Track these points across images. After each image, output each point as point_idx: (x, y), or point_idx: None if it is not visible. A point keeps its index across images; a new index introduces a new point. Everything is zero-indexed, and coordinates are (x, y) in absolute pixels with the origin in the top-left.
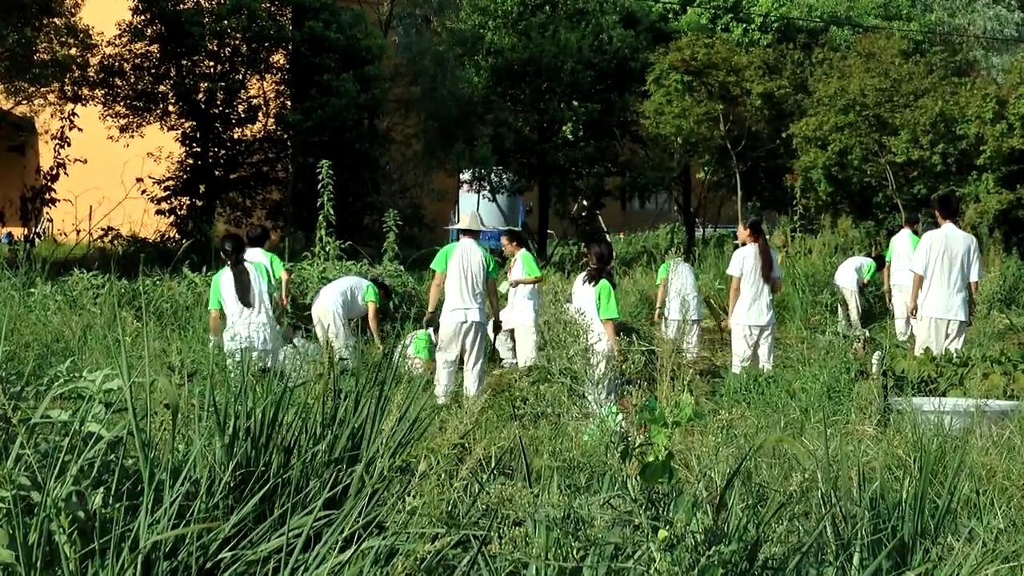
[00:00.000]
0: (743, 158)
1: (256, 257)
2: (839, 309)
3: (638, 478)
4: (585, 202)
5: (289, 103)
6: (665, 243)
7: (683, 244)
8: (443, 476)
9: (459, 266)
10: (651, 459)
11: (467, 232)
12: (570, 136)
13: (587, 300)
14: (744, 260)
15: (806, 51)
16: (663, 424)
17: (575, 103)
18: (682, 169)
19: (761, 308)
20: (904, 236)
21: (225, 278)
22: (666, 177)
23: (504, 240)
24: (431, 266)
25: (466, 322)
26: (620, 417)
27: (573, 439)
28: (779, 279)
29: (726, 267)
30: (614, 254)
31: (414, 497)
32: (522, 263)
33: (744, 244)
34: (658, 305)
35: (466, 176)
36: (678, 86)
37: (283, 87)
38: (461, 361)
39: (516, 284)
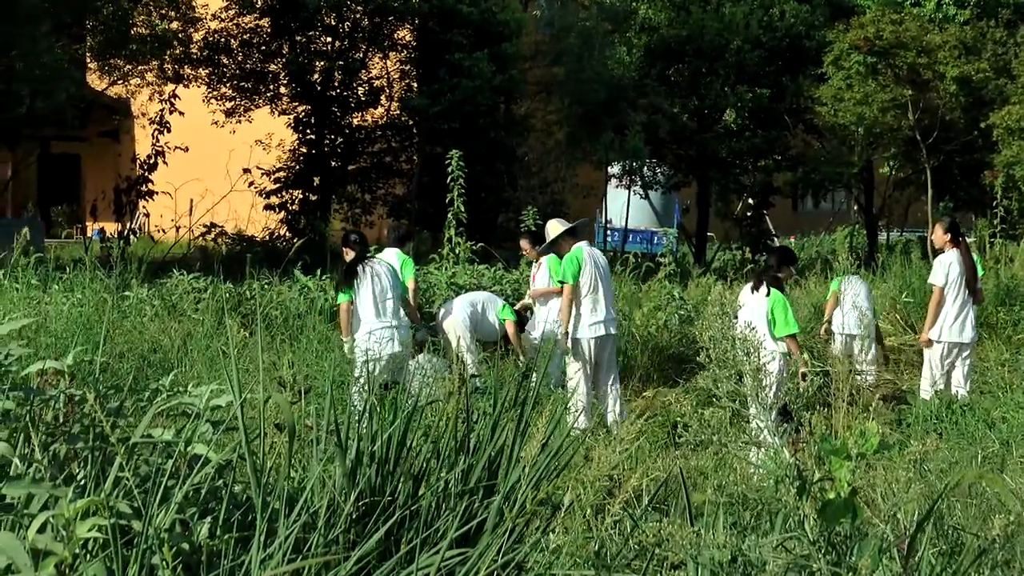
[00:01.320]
0: (934, 152)
1: (388, 258)
2: None
3: (816, 517)
4: (751, 200)
5: (415, 85)
6: (843, 249)
7: (863, 250)
8: (590, 511)
9: (591, 274)
10: (832, 496)
11: (573, 235)
12: (734, 125)
13: (757, 312)
14: (950, 268)
15: (1010, 29)
16: (845, 456)
17: (740, 87)
18: (863, 164)
19: (965, 324)
20: None
21: (361, 273)
22: (845, 173)
23: (525, 244)
24: (559, 278)
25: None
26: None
27: (739, 471)
28: (981, 289)
29: (914, 277)
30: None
31: (558, 534)
32: (548, 269)
33: (942, 250)
34: (825, 319)
35: (615, 170)
36: (860, 68)
37: (408, 67)
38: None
39: (536, 296)
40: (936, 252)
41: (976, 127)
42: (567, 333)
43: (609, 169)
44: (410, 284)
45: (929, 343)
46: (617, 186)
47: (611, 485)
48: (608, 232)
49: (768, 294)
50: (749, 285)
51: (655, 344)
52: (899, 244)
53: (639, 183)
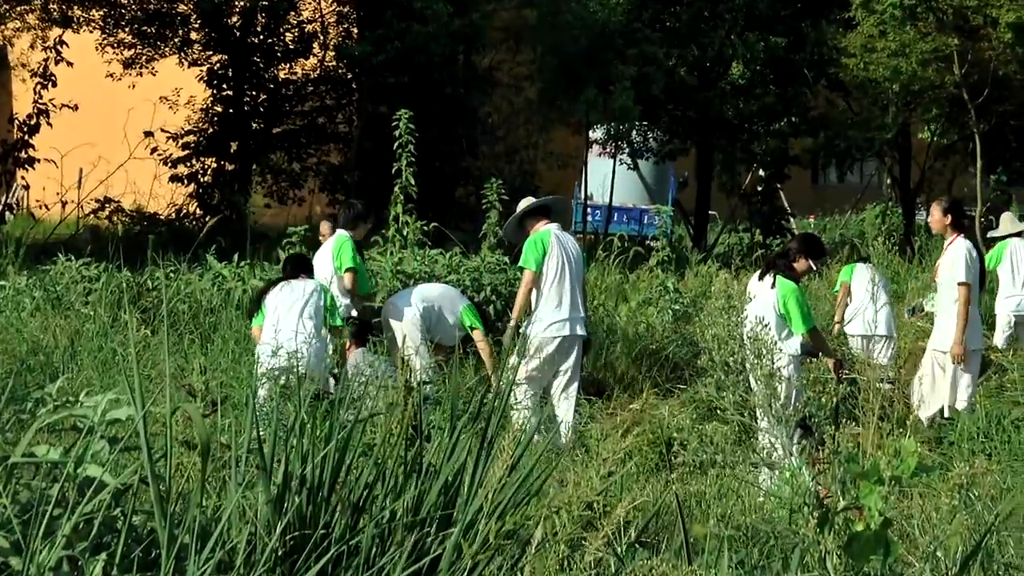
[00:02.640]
0: (985, 113)
1: (325, 250)
2: None
3: (841, 554)
4: (762, 172)
5: (355, 30)
6: (873, 230)
7: (899, 233)
8: (567, 547)
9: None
10: (860, 528)
11: (544, 214)
12: (742, 81)
13: (762, 304)
14: (976, 260)
15: None
16: (877, 480)
17: (750, 35)
18: (899, 128)
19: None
20: None
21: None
22: (876, 139)
23: None
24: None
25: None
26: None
27: (748, 499)
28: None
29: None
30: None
31: (528, 574)
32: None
33: (940, 236)
34: (836, 319)
35: (598, 134)
36: (895, 12)
37: (347, 8)
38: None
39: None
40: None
41: None
42: (517, 327)
43: (591, 134)
44: (346, 278)
45: (962, 356)
46: (600, 154)
47: (591, 516)
48: (589, 210)
49: (774, 285)
50: (758, 273)
51: (644, 345)
52: None
53: (627, 151)
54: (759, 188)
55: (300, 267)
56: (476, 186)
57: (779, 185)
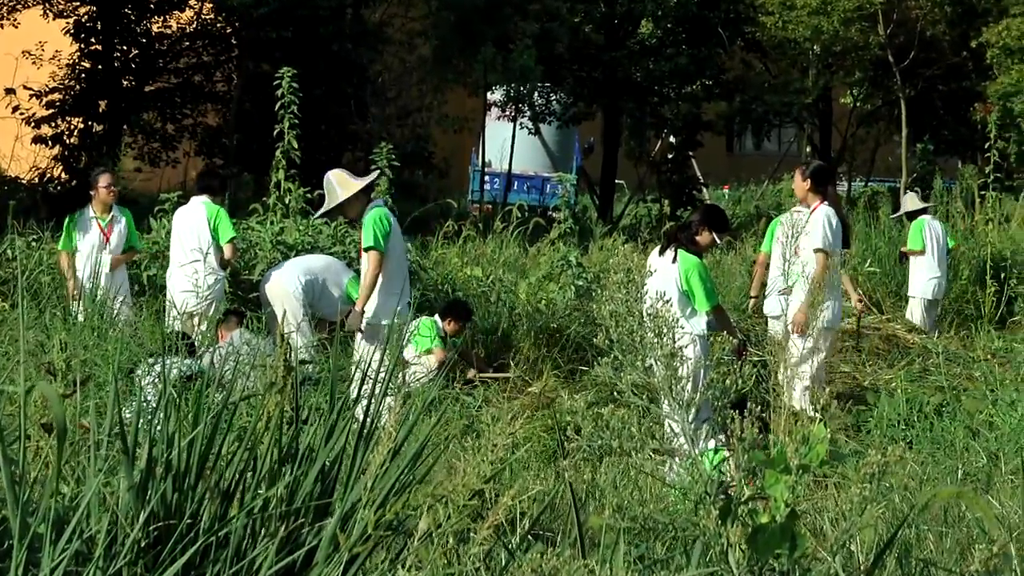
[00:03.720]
0: (911, 78)
1: (194, 212)
2: None
3: (745, 548)
4: (673, 139)
5: None
6: (791, 202)
7: None
8: (454, 538)
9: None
10: (765, 520)
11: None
12: (652, 40)
13: (663, 280)
14: (836, 227)
15: None
16: (783, 469)
17: None
18: (820, 92)
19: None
20: None
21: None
22: (795, 104)
23: None
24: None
25: None
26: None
27: (650, 488)
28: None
29: (881, 241)
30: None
31: (410, 568)
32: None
33: (804, 201)
34: (753, 292)
35: (496, 96)
36: None
37: None
38: None
39: None
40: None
41: (965, 46)
42: (362, 313)
43: (489, 95)
44: (227, 249)
45: (803, 326)
46: (499, 117)
47: (482, 505)
48: (486, 178)
49: (675, 259)
50: (659, 247)
51: (545, 324)
52: (863, 197)
53: (527, 114)
54: (669, 156)
55: None
56: (365, 151)
57: (691, 153)
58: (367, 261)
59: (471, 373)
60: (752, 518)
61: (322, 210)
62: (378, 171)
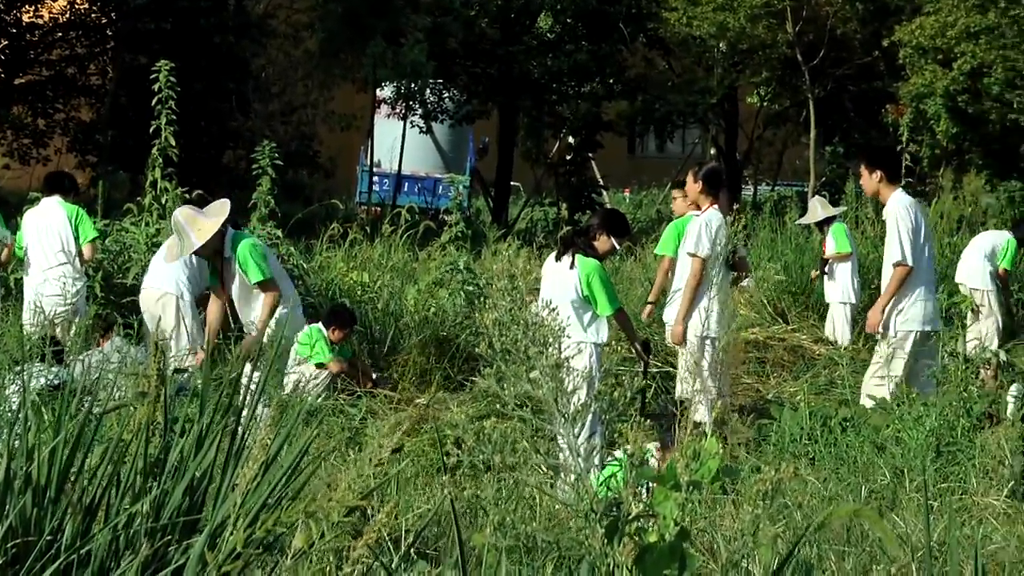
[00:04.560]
0: (821, 77)
1: (50, 211)
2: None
3: (632, 567)
4: (571, 139)
5: None
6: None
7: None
8: (330, 556)
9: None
10: (653, 539)
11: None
12: (550, 35)
13: (562, 288)
14: (718, 232)
15: None
16: (673, 485)
17: None
18: (725, 92)
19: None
20: None
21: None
22: (700, 104)
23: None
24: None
25: None
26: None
27: (542, 505)
28: (747, 262)
29: (787, 247)
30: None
31: None
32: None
33: (699, 207)
34: (651, 297)
35: (386, 92)
36: None
37: None
38: None
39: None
40: (822, 223)
41: (877, 45)
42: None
43: (378, 92)
44: (86, 250)
45: (681, 337)
46: (389, 115)
47: (361, 522)
48: (375, 179)
49: (572, 265)
50: (554, 253)
51: (434, 332)
52: (770, 201)
53: (419, 112)
54: (568, 157)
55: None
56: (247, 149)
57: (591, 154)
58: (263, 294)
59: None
60: (640, 537)
61: (176, 256)
62: (228, 201)
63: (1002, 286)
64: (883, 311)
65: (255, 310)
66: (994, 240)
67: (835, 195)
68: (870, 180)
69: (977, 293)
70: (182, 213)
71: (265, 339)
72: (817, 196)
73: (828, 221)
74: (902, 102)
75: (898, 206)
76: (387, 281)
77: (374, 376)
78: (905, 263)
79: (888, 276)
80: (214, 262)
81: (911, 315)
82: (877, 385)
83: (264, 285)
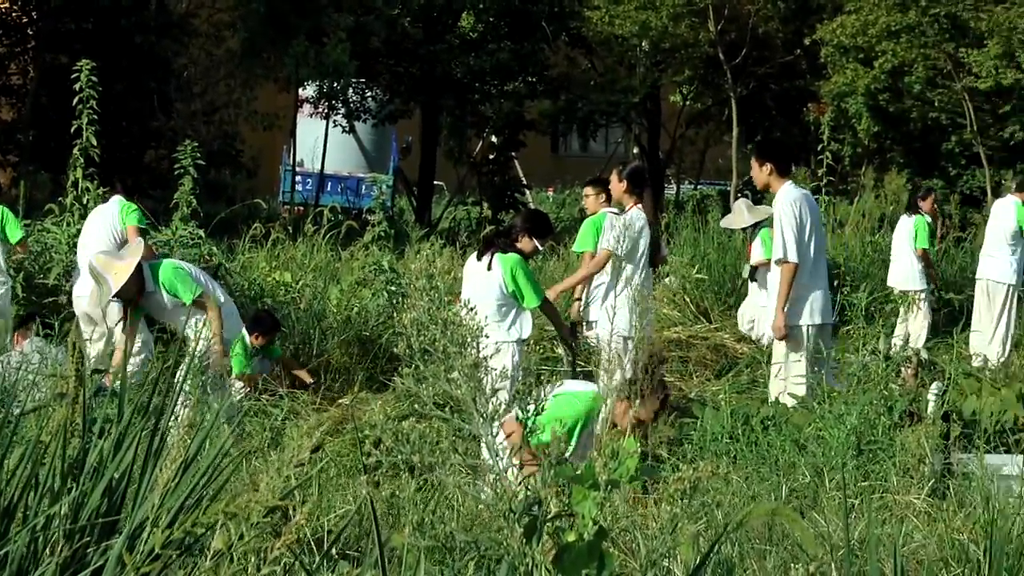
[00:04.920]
0: (743, 76)
1: None
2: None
3: (551, 567)
4: (494, 139)
5: None
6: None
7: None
8: (250, 556)
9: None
10: (572, 538)
11: None
12: (473, 34)
13: (484, 288)
14: (641, 232)
15: None
16: (591, 485)
17: None
18: (648, 91)
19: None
20: (1006, 207)
21: None
22: (623, 103)
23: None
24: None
25: None
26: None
27: (464, 505)
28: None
29: (710, 246)
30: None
31: None
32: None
33: (619, 204)
34: (576, 295)
35: (308, 92)
36: None
37: None
38: None
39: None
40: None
41: (799, 44)
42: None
43: (301, 91)
44: (16, 249)
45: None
46: (311, 115)
47: (282, 521)
48: (298, 178)
49: (490, 267)
50: (475, 254)
51: (357, 332)
52: (692, 200)
53: (341, 111)
54: (491, 156)
55: None
56: (169, 148)
57: (513, 153)
58: (209, 309)
59: (307, 378)
60: (559, 536)
61: (97, 303)
62: (141, 241)
63: (926, 264)
64: (783, 312)
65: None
66: (907, 227)
67: (757, 195)
68: (760, 173)
69: (908, 295)
70: (97, 259)
71: (222, 350)
72: (742, 198)
73: (755, 225)
74: (823, 101)
75: (783, 201)
76: (310, 281)
77: (310, 380)
78: (787, 259)
79: (775, 274)
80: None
81: (799, 309)
82: (796, 384)
83: (199, 301)
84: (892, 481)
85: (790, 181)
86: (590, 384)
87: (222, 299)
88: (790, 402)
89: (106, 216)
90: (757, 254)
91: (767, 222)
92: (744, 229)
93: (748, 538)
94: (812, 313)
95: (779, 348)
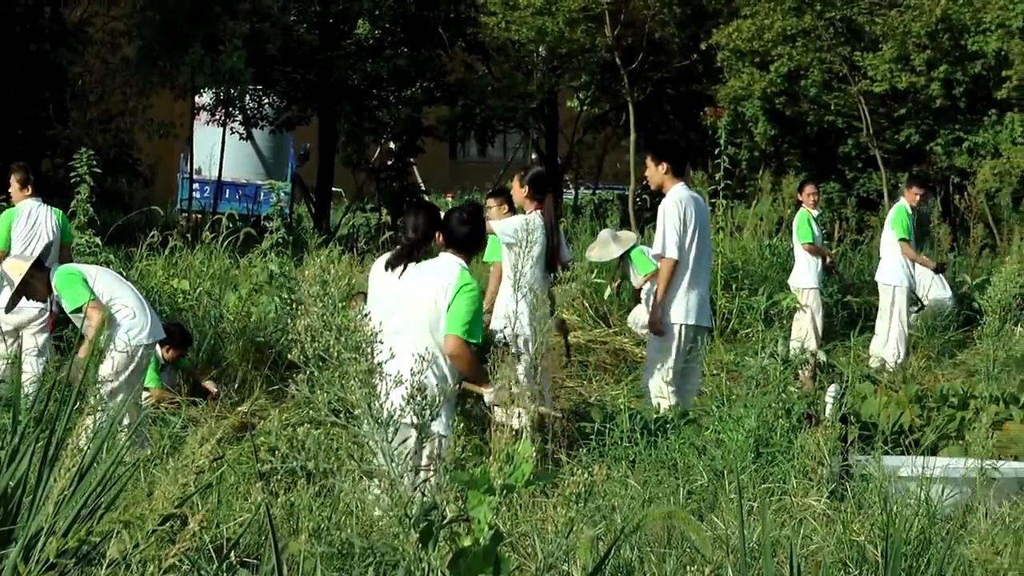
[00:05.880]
0: (640, 81)
1: None
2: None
3: (447, 572)
4: (392, 145)
5: None
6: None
7: None
8: (149, 564)
9: None
10: (467, 543)
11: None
12: (370, 40)
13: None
14: (539, 235)
15: None
16: (487, 490)
17: None
18: (545, 96)
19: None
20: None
21: None
22: (520, 109)
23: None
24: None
25: None
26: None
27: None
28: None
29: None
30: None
31: None
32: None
33: (521, 209)
34: (486, 304)
35: (205, 99)
36: None
37: None
38: None
39: None
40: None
41: (695, 49)
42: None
43: (197, 99)
44: None
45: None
46: (209, 122)
47: (180, 529)
48: (196, 186)
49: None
50: (383, 259)
51: (255, 339)
52: (591, 205)
53: (239, 119)
54: (389, 162)
55: None
56: (64, 157)
57: (412, 159)
58: (89, 317)
59: (212, 388)
60: (455, 541)
61: (10, 307)
62: (47, 242)
63: (816, 255)
64: (659, 307)
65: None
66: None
67: (656, 197)
68: (656, 172)
69: (800, 292)
70: (6, 264)
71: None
72: (605, 230)
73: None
74: (720, 105)
75: (670, 200)
76: (208, 288)
77: (215, 390)
78: (664, 255)
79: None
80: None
81: (676, 308)
82: (663, 380)
83: (78, 312)
84: (791, 483)
85: (682, 183)
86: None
87: (134, 303)
88: (656, 401)
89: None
90: (637, 278)
91: (638, 241)
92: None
93: (647, 541)
94: (688, 313)
95: (652, 343)
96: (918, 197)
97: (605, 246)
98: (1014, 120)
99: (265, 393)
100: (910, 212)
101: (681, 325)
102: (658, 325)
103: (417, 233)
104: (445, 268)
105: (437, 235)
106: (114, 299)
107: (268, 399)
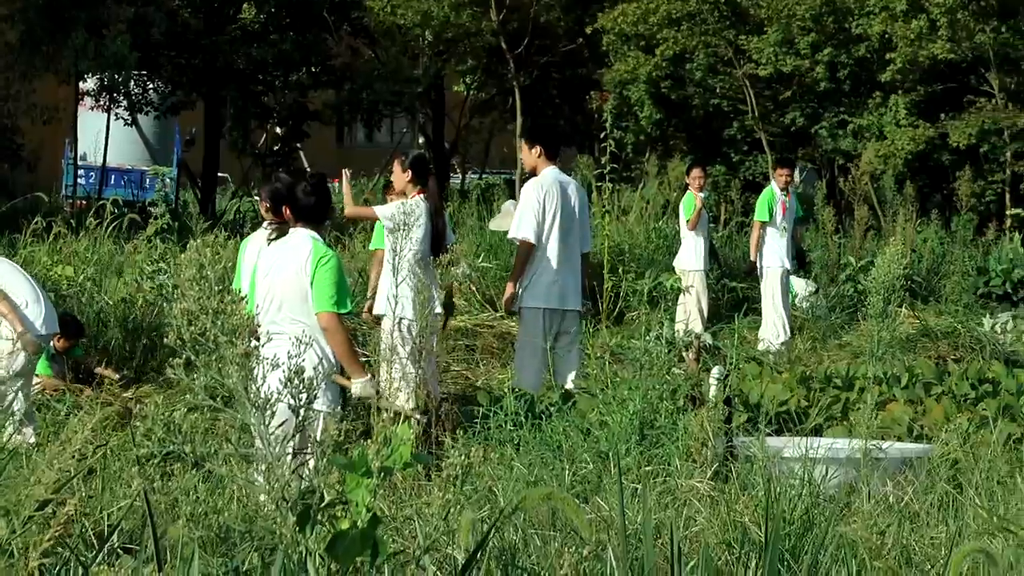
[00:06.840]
0: (526, 65)
1: None
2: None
3: (324, 555)
4: (279, 130)
5: None
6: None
7: None
8: (26, 550)
9: None
10: (345, 526)
11: None
12: (255, 25)
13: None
14: (413, 216)
15: None
16: (365, 472)
17: None
18: (432, 81)
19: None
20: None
21: None
22: (406, 93)
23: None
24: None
25: None
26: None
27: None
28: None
29: (495, 235)
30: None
31: None
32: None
33: (403, 193)
34: (369, 292)
35: (89, 84)
36: None
37: None
38: None
39: None
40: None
41: (581, 33)
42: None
43: (81, 84)
44: None
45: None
46: (93, 108)
47: (57, 516)
48: (80, 172)
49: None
50: (257, 234)
51: (138, 325)
52: (477, 189)
53: (123, 104)
54: (275, 147)
55: None
56: None
57: (298, 144)
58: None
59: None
60: (332, 524)
61: None
62: None
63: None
64: (514, 287)
65: None
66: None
67: None
68: (530, 155)
69: (685, 275)
70: None
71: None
72: (509, 200)
73: None
74: (606, 89)
75: (529, 185)
76: (92, 274)
77: (116, 376)
78: (517, 238)
79: None
80: None
81: (532, 292)
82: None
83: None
84: (675, 465)
85: (553, 166)
86: None
87: (28, 294)
88: (523, 382)
89: None
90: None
91: None
92: None
93: (531, 524)
94: (549, 297)
95: (520, 328)
96: (784, 178)
97: (507, 216)
98: (898, 102)
99: (151, 381)
100: (776, 194)
101: (543, 309)
102: (509, 305)
103: (289, 201)
104: (299, 245)
105: (285, 209)
106: (7, 289)
107: (153, 386)
